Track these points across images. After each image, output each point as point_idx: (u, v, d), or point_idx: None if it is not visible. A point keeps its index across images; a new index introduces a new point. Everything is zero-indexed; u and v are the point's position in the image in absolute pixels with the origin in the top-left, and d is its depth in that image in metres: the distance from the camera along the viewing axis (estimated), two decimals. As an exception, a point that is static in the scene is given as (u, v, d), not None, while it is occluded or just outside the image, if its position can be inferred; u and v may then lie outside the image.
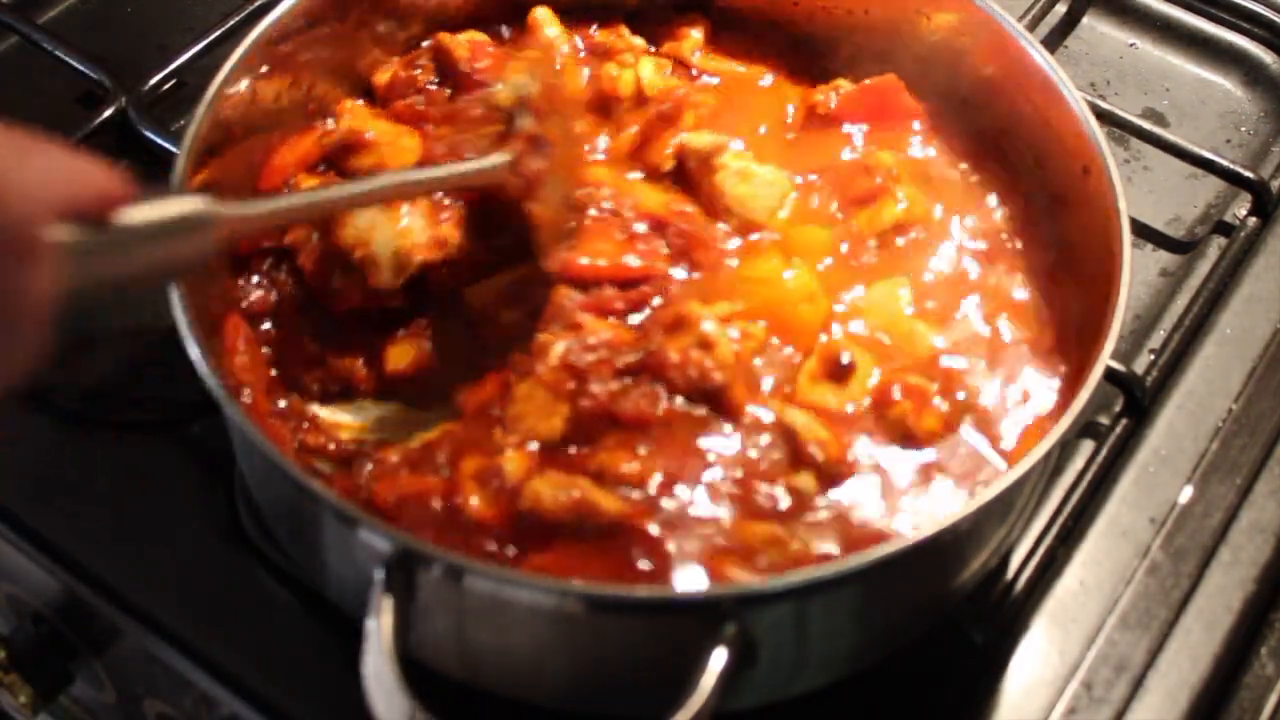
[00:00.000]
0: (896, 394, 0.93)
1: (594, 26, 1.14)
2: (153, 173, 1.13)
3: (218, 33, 1.23)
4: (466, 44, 1.10)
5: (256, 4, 1.25)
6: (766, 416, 0.92)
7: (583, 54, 1.12)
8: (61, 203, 0.70)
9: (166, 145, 1.14)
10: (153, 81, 1.20)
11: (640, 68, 1.10)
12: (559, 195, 1.01)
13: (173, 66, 1.21)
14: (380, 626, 0.75)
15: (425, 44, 1.12)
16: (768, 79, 1.14)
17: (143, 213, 0.76)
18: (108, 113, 1.18)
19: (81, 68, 1.22)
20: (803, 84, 1.13)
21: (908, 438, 0.91)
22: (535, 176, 0.98)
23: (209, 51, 1.21)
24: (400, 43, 1.12)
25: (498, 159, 0.98)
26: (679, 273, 0.99)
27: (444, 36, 1.10)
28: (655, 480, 0.88)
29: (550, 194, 1.00)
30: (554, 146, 1.00)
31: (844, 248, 1.02)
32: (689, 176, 1.04)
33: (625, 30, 1.14)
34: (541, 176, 0.98)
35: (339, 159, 1.05)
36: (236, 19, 1.23)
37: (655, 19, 1.16)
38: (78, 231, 0.71)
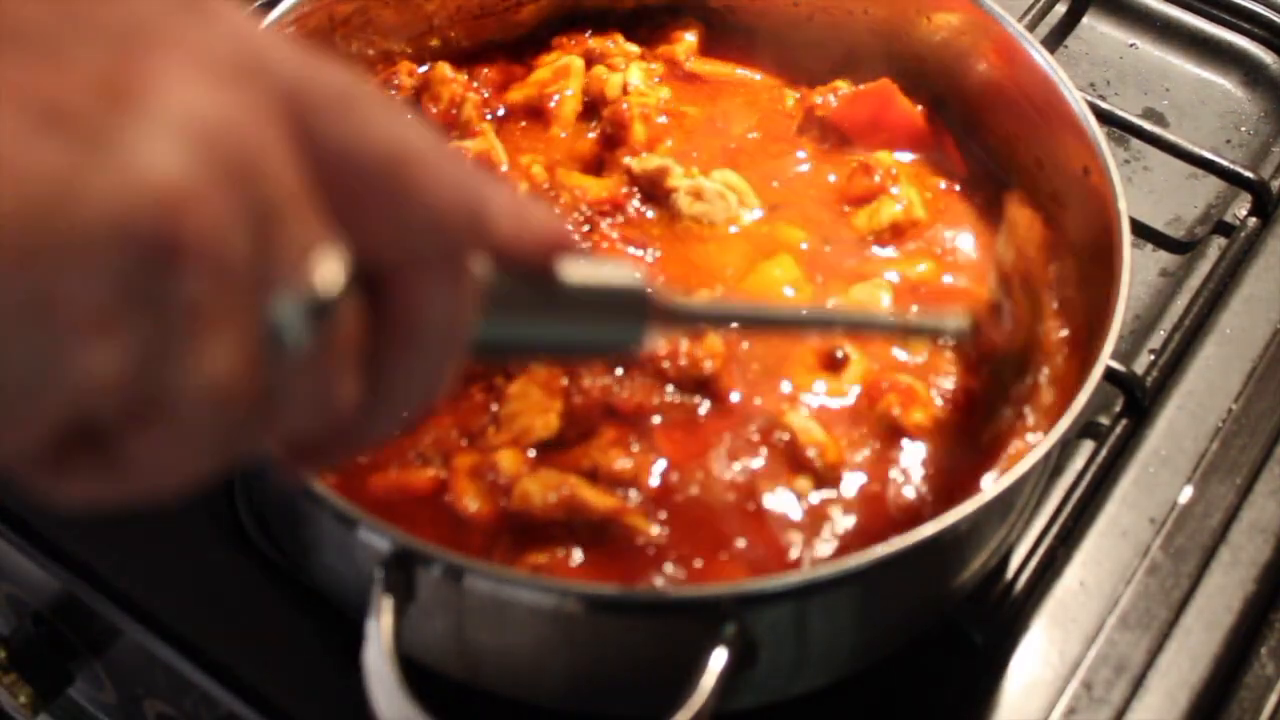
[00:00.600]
0: (884, 388, 0.93)
1: (589, 33, 1.14)
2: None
3: (218, 33, 1.22)
4: (456, 83, 1.08)
5: (256, 4, 1.25)
6: (763, 417, 0.92)
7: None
8: (501, 240, 0.55)
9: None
10: (153, 82, 1.19)
11: (629, 73, 1.10)
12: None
13: (173, 67, 1.20)
14: (380, 626, 0.74)
15: (423, 69, 1.11)
16: (764, 81, 1.13)
17: (580, 274, 0.60)
18: (108, 113, 1.18)
19: (81, 68, 1.21)
20: (800, 86, 1.13)
21: (896, 431, 0.91)
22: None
23: (209, 52, 1.21)
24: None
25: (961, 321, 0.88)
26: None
27: (440, 69, 1.09)
28: (650, 476, 0.88)
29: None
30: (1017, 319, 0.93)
31: (828, 247, 1.02)
32: (649, 197, 1.03)
33: (620, 37, 1.14)
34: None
35: None
36: (236, 19, 1.23)
37: (650, 23, 1.16)
38: (504, 279, 0.56)
